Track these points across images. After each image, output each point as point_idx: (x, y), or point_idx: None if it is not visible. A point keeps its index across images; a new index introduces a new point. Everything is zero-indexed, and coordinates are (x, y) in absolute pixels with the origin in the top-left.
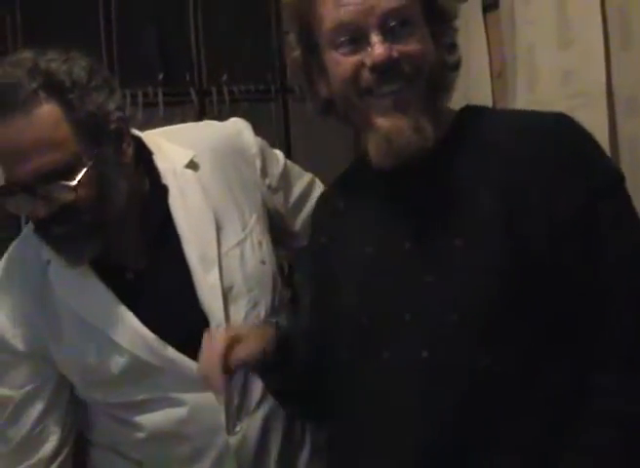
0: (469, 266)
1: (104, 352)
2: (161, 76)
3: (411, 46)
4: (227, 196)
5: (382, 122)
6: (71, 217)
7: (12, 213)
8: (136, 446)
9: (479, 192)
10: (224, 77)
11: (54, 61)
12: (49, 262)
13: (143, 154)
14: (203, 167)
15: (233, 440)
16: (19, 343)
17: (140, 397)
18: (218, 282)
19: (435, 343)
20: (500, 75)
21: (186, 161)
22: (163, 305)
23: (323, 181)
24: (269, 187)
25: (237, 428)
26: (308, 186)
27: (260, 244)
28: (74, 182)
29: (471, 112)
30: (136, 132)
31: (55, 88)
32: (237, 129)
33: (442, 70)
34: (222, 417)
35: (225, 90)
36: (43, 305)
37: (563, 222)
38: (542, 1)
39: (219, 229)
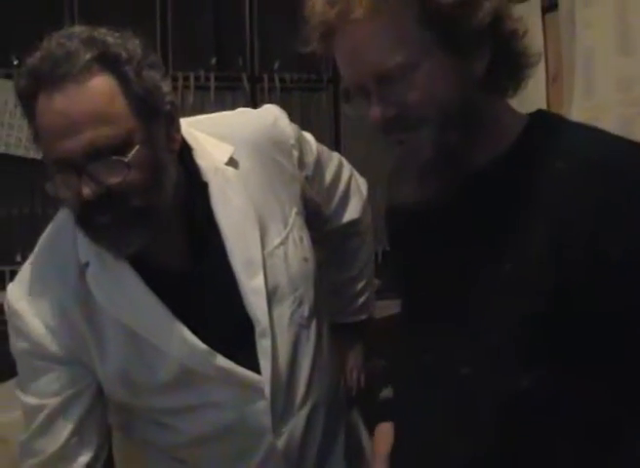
0: (516, 291)
1: (150, 360)
2: (214, 60)
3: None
4: (268, 192)
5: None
6: (118, 203)
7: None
8: (178, 448)
9: (533, 219)
10: (277, 64)
11: (109, 35)
12: (87, 265)
13: (183, 150)
14: (243, 163)
15: (279, 441)
16: (56, 349)
17: (185, 403)
18: (262, 285)
19: (476, 362)
20: (555, 79)
21: (226, 158)
22: (208, 310)
23: (374, 172)
24: (307, 178)
25: (283, 429)
26: (338, 169)
27: (301, 240)
28: (127, 159)
29: (542, 126)
30: None
31: (110, 60)
32: (273, 118)
33: (466, 104)
34: (269, 420)
35: (277, 77)
36: (82, 310)
37: (615, 265)
38: (603, 4)
39: (262, 230)
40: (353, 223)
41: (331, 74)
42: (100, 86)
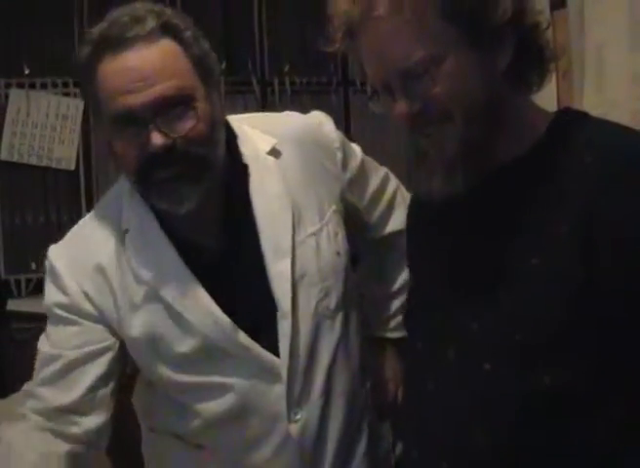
0: (541, 287)
1: (175, 328)
2: (224, 65)
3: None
4: (307, 185)
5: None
6: (180, 157)
7: None
8: (196, 432)
9: (559, 214)
10: (286, 68)
11: (168, 10)
12: (127, 231)
13: (228, 137)
14: (285, 155)
15: (294, 427)
16: (87, 307)
17: (202, 380)
18: (288, 270)
19: (498, 358)
20: (565, 75)
21: (269, 148)
22: (236, 289)
23: None
24: (349, 181)
25: (297, 416)
26: (384, 180)
27: (335, 235)
28: (189, 116)
29: (568, 122)
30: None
31: (171, 27)
32: (319, 121)
33: (490, 98)
34: (283, 405)
35: (287, 80)
36: (118, 274)
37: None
38: (613, 1)
39: (295, 217)
40: (396, 235)
41: (341, 77)
42: (167, 46)
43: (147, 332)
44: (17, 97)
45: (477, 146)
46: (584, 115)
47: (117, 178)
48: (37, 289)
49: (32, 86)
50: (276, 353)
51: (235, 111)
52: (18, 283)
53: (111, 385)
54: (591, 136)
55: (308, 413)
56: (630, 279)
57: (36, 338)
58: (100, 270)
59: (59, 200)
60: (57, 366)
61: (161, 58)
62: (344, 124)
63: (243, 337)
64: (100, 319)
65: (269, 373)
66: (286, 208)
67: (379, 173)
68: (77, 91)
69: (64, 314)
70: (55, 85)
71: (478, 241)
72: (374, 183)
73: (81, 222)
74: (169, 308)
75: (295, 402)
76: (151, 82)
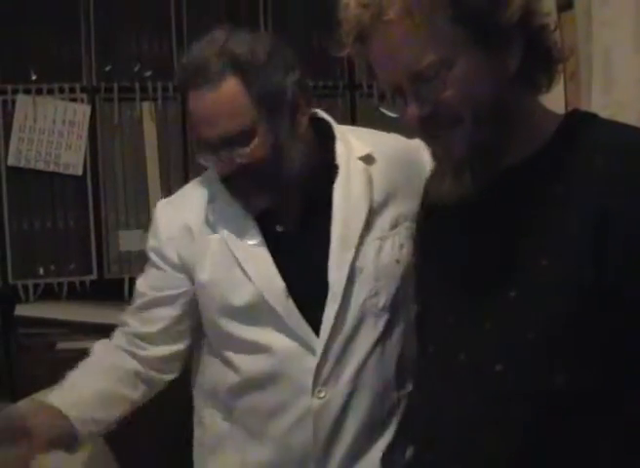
0: (552, 287)
1: (237, 282)
2: None
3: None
4: (389, 197)
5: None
6: (248, 175)
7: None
8: (231, 389)
9: (569, 214)
10: None
11: (240, 43)
12: (214, 199)
13: (328, 136)
14: (377, 164)
15: (315, 403)
16: (171, 254)
17: (248, 336)
18: (348, 260)
19: (510, 359)
20: (573, 77)
21: (363, 154)
22: (298, 265)
23: None
24: None
25: (322, 394)
26: None
27: (401, 246)
28: (249, 148)
29: (577, 123)
30: (328, 118)
31: (237, 66)
32: (418, 145)
33: (500, 101)
34: (310, 380)
35: None
36: (202, 230)
37: None
38: (620, 3)
39: (368, 219)
40: None
41: (347, 81)
42: (229, 88)
43: (213, 278)
44: (23, 102)
45: (486, 148)
46: (594, 116)
47: (124, 184)
48: (45, 294)
49: (39, 92)
50: (317, 331)
51: None
52: (25, 288)
53: (185, 324)
54: (601, 137)
55: (332, 396)
56: None
57: (43, 344)
58: (188, 227)
59: (66, 205)
60: (142, 301)
61: (222, 103)
62: None
63: (291, 303)
64: (181, 267)
65: (305, 346)
66: (362, 209)
67: None
68: (84, 96)
69: (154, 258)
70: (61, 90)
71: (489, 241)
72: None
73: (186, 186)
74: (235, 261)
75: (322, 380)
76: (214, 122)
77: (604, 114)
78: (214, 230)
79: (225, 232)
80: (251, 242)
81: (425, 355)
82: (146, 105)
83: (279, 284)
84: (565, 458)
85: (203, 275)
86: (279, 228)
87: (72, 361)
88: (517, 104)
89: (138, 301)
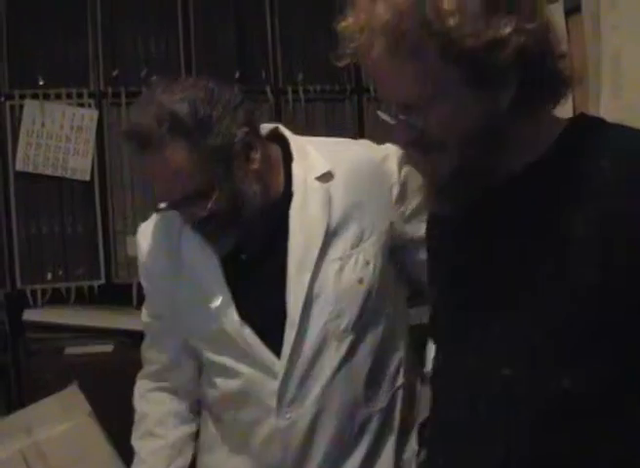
0: (558, 291)
1: (200, 314)
2: (237, 74)
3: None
4: (350, 214)
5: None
6: (211, 222)
7: None
8: (216, 403)
9: (574, 218)
10: (300, 76)
11: (179, 102)
12: (183, 228)
13: (286, 158)
14: (335, 182)
15: (282, 424)
16: (156, 281)
17: (219, 359)
18: (305, 286)
19: (517, 362)
20: (581, 80)
21: (319, 173)
22: (259, 290)
23: None
24: (405, 215)
25: (288, 415)
26: None
27: (366, 264)
28: (207, 203)
29: (581, 127)
30: (287, 133)
31: (180, 129)
32: (384, 155)
33: (489, 131)
34: (274, 401)
35: (301, 89)
36: (174, 255)
37: None
38: (629, 6)
39: (326, 241)
40: None
41: (354, 84)
42: (176, 153)
43: (180, 309)
44: (31, 108)
45: (471, 171)
46: (600, 120)
47: (132, 189)
48: (53, 299)
49: (47, 97)
50: (279, 355)
51: None
52: (34, 293)
53: (191, 350)
54: (607, 141)
55: (298, 416)
56: None
57: (52, 349)
58: (163, 253)
59: (74, 210)
60: (150, 332)
61: (170, 166)
62: (358, 131)
63: (248, 333)
64: (163, 293)
65: (267, 370)
66: (319, 231)
67: None
68: (91, 101)
69: (145, 284)
70: (69, 96)
71: (495, 246)
72: None
73: (157, 215)
74: (197, 292)
75: (287, 401)
76: (166, 184)
77: (613, 118)
78: (182, 258)
79: (190, 262)
80: (211, 273)
81: (437, 359)
82: None
83: (233, 315)
84: (571, 461)
85: (175, 304)
86: (243, 257)
87: (80, 365)
88: (514, 126)
89: (149, 334)
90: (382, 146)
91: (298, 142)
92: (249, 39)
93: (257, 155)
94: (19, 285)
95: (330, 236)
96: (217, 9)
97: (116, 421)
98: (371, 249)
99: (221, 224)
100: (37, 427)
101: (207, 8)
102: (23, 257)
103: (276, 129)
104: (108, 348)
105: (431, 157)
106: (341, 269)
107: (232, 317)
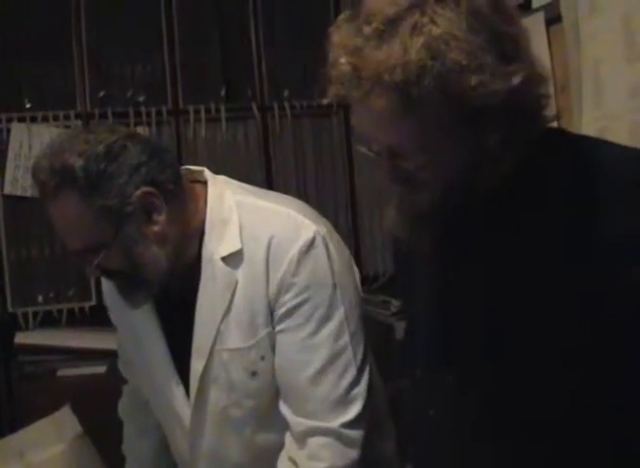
0: (541, 317)
1: (140, 349)
2: (223, 92)
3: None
4: (248, 302)
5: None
6: (114, 277)
7: None
8: (160, 422)
9: (550, 233)
10: (286, 92)
11: (74, 155)
12: None
13: (204, 228)
14: (244, 265)
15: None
16: (111, 315)
17: (150, 390)
18: (199, 371)
19: (525, 368)
20: (563, 89)
21: (226, 253)
22: (180, 340)
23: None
24: (278, 314)
25: (198, 462)
26: (318, 371)
27: (261, 358)
28: (102, 258)
29: (544, 142)
30: (218, 190)
31: (70, 183)
32: (293, 238)
33: (473, 168)
34: (187, 449)
35: (287, 105)
36: (117, 302)
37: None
38: (608, 15)
39: (221, 329)
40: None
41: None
42: (68, 205)
43: (127, 345)
44: (18, 131)
45: (449, 202)
46: (562, 132)
47: None
48: (44, 322)
49: (34, 119)
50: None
51: (236, 138)
52: (25, 316)
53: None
54: (568, 154)
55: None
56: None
57: (44, 371)
58: (111, 294)
59: None
60: (121, 368)
61: (64, 218)
62: (346, 147)
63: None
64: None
65: (182, 428)
66: (217, 316)
67: (318, 356)
68: (78, 123)
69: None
70: (56, 118)
71: (470, 271)
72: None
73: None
74: (138, 337)
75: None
76: (64, 234)
77: (595, 127)
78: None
79: (127, 311)
80: (148, 326)
81: (413, 379)
82: (140, 130)
83: (166, 367)
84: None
85: (121, 343)
86: (174, 302)
87: (73, 387)
88: (494, 159)
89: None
90: (307, 229)
91: (226, 197)
92: (234, 57)
93: (160, 217)
94: (10, 308)
95: (227, 324)
96: (201, 27)
97: (110, 442)
98: (266, 341)
99: (127, 282)
100: (30, 450)
101: (192, 27)
102: (14, 280)
103: (202, 174)
104: (101, 369)
105: (414, 190)
106: (231, 360)
107: (164, 364)
